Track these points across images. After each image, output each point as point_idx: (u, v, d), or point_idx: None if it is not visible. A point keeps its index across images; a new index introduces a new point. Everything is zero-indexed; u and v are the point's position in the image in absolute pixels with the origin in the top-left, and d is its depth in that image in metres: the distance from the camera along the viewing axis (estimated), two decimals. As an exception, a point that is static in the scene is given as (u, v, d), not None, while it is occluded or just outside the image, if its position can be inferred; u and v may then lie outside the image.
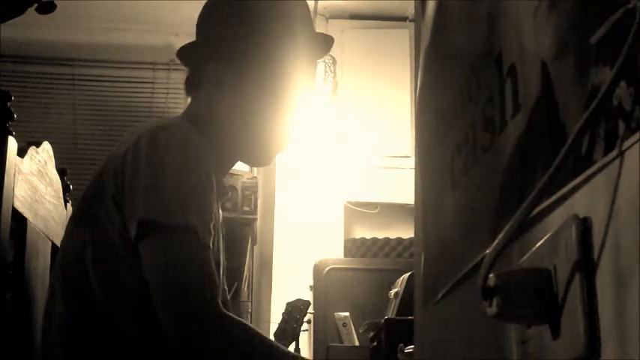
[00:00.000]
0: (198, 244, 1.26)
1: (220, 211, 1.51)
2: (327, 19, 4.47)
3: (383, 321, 2.30)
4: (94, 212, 1.34)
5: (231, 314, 1.29)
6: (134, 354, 1.30)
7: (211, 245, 1.29)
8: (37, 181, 1.55)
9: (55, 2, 1.40)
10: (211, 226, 1.29)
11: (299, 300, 2.94)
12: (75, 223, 1.40)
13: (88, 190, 1.40)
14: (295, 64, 1.47)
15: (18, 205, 1.41)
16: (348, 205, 4.19)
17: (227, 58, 1.45)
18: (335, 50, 4.43)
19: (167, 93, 4.67)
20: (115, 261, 1.30)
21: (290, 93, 1.47)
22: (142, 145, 1.32)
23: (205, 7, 1.53)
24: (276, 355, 1.31)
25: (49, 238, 1.63)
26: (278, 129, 1.49)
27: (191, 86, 1.52)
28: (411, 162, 1.45)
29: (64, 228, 1.77)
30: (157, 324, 1.24)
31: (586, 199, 0.55)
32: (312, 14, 1.58)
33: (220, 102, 1.46)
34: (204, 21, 1.52)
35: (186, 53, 1.53)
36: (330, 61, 4.07)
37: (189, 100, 1.53)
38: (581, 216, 0.55)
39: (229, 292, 1.84)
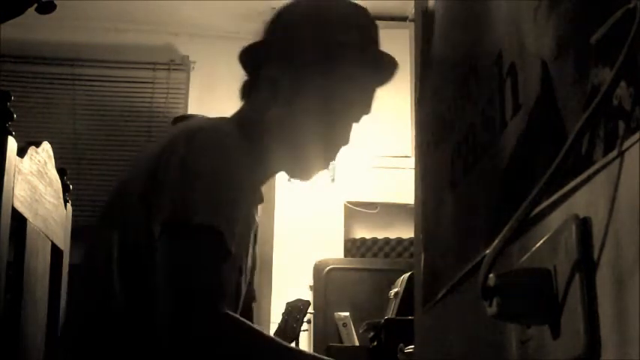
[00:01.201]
0: (216, 248, 1.24)
1: (257, 217, 1.48)
2: (327, 19, 4.47)
3: (383, 321, 2.30)
4: (123, 212, 1.32)
5: (239, 318, 1.26)
6: (148, 356, 1.29)
7: (233, 249, 1.26)
8: (37, 181, 1.55)
9: (55, 2, 1.40)
10: (235, 230, 1.27)
11: (299, 300, 2.94)
12: (103, 224, 1.38)
13: (118, 189, 1.38)
14: (360, 86, 1.43)
15: (18, 205, 1.41)
16: (348, 205, 4.19)
17: (292, 64, 1.40)
18: (335, 50, 4.43)
19: (167, 93, 4.67)
20: (140, 262, 1.28)
21: (347, 113, 1.43)
22: (178, 145, 1.29)
23: (280, 11, 1.47)
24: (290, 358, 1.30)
25: (49, 238, 1.63)
26: (326, 146, 1.45)
27: (246, 88, 1.48)
28: (411, 162, 1.44)
29: (64, 228, 1.77)
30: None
31: (586, 199, 0.55)
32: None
33: (275, 107, 1.41)
34: (275, 23, 1.46)
35: (247, 54, 1.47)
36: (330, 61, 4.07)
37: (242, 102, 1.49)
38: (581, 216, 0.55)
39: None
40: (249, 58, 1.46)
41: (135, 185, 1.31)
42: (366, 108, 1.45)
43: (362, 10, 1.46)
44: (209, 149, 1.30)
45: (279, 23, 1.45)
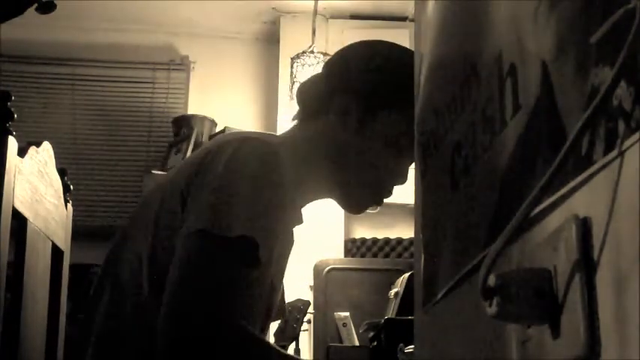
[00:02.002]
0: (242, 259, 1.22)
1: (294, 238, 1.48)
2: (327, 19, 4.47)
3: (383, 321, 2.30)
4: (157, 216, 1.31)
5: (247, 330, 1.24)
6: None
7: (263, 260, 1.25)
8: (37, 181, 1.55)
9: (55, 2, 1.40)
10: (271, 243, 1.25)
11: (299, 300, 2.94)
12: (135, 226, 1.37)
13: (155, 192, 1.37)
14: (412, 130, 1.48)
15: (18, 205, 1.41)
16: (348, 205, 4.19)
17: (365, 97, 1.44)
18: (335, 50, 4.43)
19: (167, 93, 4.67)
20: (169, 262, 1.27)
21: (410, 152, 1.44)
22: (225, 151, 1.29)
23: (358, 46, 1.52)
24: None
25: (49, 238, 1.63)
26: (383, 182, 1.47)
27: (303, 113, 1.50)
28: (411, 162, 1.44)
29: (64, 228, 1.77)
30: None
31: (586, 199, 0.55)
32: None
33: (331, 141, 1.43)
34: (346, 58, 1.51)
35: (315, 83, 1.52)
36: (331, 61, 4.07)
37: (295, 122, 1.51)
38: (581, 216, 0.55)
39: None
40: (312, 88, 1.49)
41: (175, 185, 1.31)
42: (412, 153, 1.48)
43: (411, 59, 1.54)
44: (255, 160, 1.29)
45: (337, 62, 1.50)
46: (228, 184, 1.26)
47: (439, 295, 0.92)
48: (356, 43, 1.54)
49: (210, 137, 4.11)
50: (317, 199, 1.52)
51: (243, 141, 1.33)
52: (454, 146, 0.89)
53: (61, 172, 1.74)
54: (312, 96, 1.49)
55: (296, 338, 2.94)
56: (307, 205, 1.52)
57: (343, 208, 1.55)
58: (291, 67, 3.97)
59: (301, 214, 1.48)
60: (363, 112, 1.44)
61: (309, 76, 1.53)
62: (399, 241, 4.17)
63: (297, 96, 1.53)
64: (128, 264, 1.32)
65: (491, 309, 0.57)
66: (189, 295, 1.21)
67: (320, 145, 1.44)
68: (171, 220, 1.28)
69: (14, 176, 1.39)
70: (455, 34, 0.95)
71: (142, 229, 1.33)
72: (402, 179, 1.48)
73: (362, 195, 1.49)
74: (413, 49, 1.23)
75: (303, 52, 3.93)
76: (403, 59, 1.43)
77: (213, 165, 1.28)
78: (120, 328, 1.31)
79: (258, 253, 1.22)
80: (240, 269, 1.22)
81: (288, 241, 1.42)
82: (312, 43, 3.99)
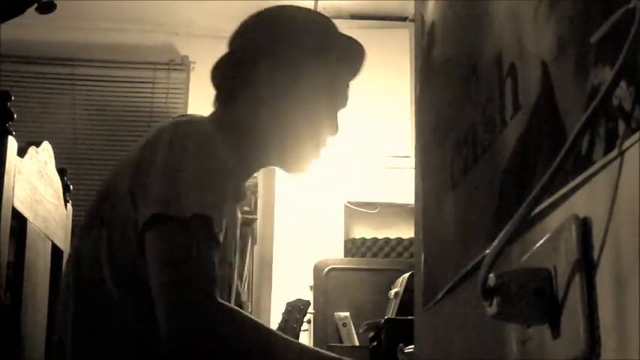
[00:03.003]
0: (206, 237, 1.26)
1: (239, 214, 1.51)
2: (327, 19, 4.47)
3: (383, 321, 2.30)
4: (110, 210, 1.34)
5: (233, 307, 1.29)
6: (144, 351, 1.29)
7: (221, 240, 1.29)
8: (37, 181, 1.55)
9: (55, 2, 1.40)
10: (223, 222, 1.29)
11: (299, 300, 2.93)
12: (90, 223, 1.39)
13: (104, 188, 1.39)
14: (330, 80, 1.52)
15: (18, 205, 1.41)
16: (348, 205, 4.19)
17: (267, 68, 1.49)
18: (335, 50, 4.43)
19: (167, 93, 4.67)
20: (130, 257, 1.30)
21: (324, 106, 1.52)
22: (161, 139, 1.33)
23: (255, 19, 1.57)
24: (282, 347, 1.31)
25: (49, 238, 1.63)
26: (312, 138, 1.52)
27: (225, 92, 1.54)
28: (411, 162, 1.45)
29: (64, 228, 1.77)
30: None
31: (586, 199, 0.55)
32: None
33: (260, 108, 1.48)
34: (241, 34, 1.56)
35: (218, 66, 1.55)
36: (330, 61, 4.07)
37: (215, 105, 1.55)
38: (581, 216, 0.55)
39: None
40: (222, 69, 1.54)
41: (121, 182, 1.33)
42: (341, 100, 1.55)
43: (317, 14, 1.63)
44: (191, 142, 1.33)
45: (247, 34, 1.55)
46: (173, 168, 1.29)
47: (439, 295, 0.92)
48: (255, 15, 1.58)
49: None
50: (259, 168, 1.58)
51: (177, 125, 1.37)
52: (454, 146, 0.89)
53: (61, 172, 1.74)
54: (229, 73, 1.53)
55: (296, 338, 2.93)
56: (251, 176, 1.58)
57: (286, 170, 1.60)
58: (291, 67, 3.96)
59: (244, 191, 1.53)
60: (284, 71, 1.48)
61: (220, 57, 1.56)
62: (399, 241, 4.16)
63: (213, 79, 1.57)
64: (88, 262, 1.34)
65: (491, 309, 0.57)
66: (181, 289, 1.22)
67: (250, 114, 1.48)
68: (124, 214, 1.30)
69: (14, 176, 1.39)
70: (455, 34, 0.95)
71: (97, 227, 1.35)
72: (333, 129, 1.53)
73: (301, 152, 1.54)
74: (413, 49, 1.23)
75: (303, 52, 3.92)
76: (308, 16, 1.56)
77: (154, 154, 1.31)
78: (90, 325, 1.32)
79: (214, 231, 1.25)
80: (209, 249, 1.26)
81: (235, 219, 1.46)
82: (312, 43, 3.98)
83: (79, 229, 1.45)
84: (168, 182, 1.28)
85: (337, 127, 1.54)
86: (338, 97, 1.54)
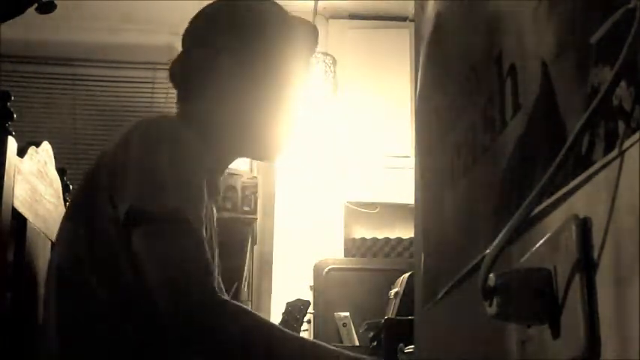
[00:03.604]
0: (192, 234, 1.26)
1: (214, 210, 1.53)
2: (327, 19, 4.47)
3: (383, 321, 2.30)
4: (88, 209, 1.35)
5: (233, 301, 1.30)
6: (131, 349, 1.30)
7: (204, 234, 1.30)
8: (37, 181, 1.55)
9: (55, 2, 1.40)
10: (202, 216, 1.30)
11: (299, 300, 2.93)
12: (68, 221, 1.40)
13: (80, 188, 1.40)
14: (284, 61, 1.53)
15: (18, 205, 1.41)
16: (348, 205, 4.19)
17: (218, 61, 1.50)
18: (335, 50, 4.44)
19: (167, 93, 4.67)
20: (113, 255, 1.30)
21: (284, 88, 1.53)
22: (133, 138, 1.34)
23: (202, 14, 1.58)
24: (287, 341, 1.31)
25: (49, 238, 1.63)
26: (279, 123, 1.54)
27: (186, 89, 1.55)
28: (411, 162, 1.45)
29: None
30: (154, 317, 1.25)
31: (586, 199, 0.55)
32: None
33: (222, 100, 1.49)
34: (189, 32, 1.58)
35: (174, 66, 1.58)
36: (330, 61, 4.07)
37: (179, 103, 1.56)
38: (581, 216, 0.55)
39: (229, 292, 1.83)
40: (186, 62, 1.56)
41: (97, 180, 1.34)
42: (301, 79, 1.57)
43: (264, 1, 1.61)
44: (164, 139, 1.35)
45: (198, 30, 1.57)
46: (150, 166, 1.31)
47: (439, 295, 0.92)
48: (203, 10, 1.59)
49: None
50: (232, 160, 1.58)
51: (147, 124, 1.39)
52: (454, 146, 0.89)
53: (61, 172, 1.74)
54: (187, 71, 1.55)
55: (296, 338, 2.92)
56: (224, 170, 1.60)
57: (261, 159, 1.65)
58: (291, 67, 3.96)
59: (217, 186, 1.54)
60: (240, 62, 1.50)
61: (176, 57, 1.59)
62: (399, 241, 4.16)
63: (172, 77, 1.59)
64: (70, 263, 1.35)
65: (491, 309, 0.57)
66: (180, 286, 1.23)
67: (213, 109, 1.50)
68: (101, 214, 1.31)
69: (14, 176, 1.39)
70: (455, 33, 0.95)
71: (75, 228, 1.35)
72: (296, 114, 1.55)
73: (271, 138, 1.55)
74: (413, 49, 1.23)
75: (303, 52, 3.92)
76: (256, 4, 1.57)
77: (128, 153, 1.32)
78: (74, 322, 1.33)
79: (197, 226, 1.25)
80: (201, 241, 1.26)
81: (211, 213, 1.47)
82: (312, 43, 3.99)
83: (59, 227, 1.45)
84: (145, 180, 1.28)
85: (300, 108, 1.55)
86: (297, 77, 1.55)
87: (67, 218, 1.42)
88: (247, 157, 1.60)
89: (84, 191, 1.39)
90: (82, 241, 1.34)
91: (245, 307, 1.34)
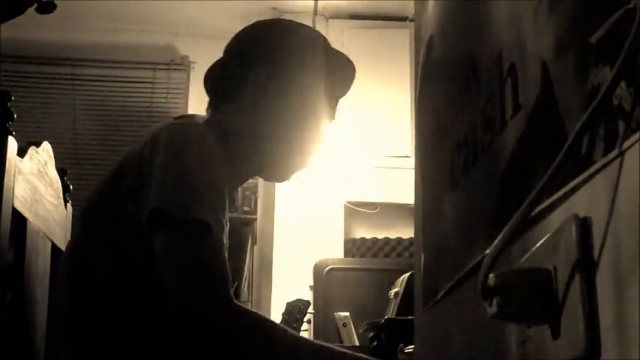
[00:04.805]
0: (213, 240, 1.27)
1: (227, 223, 1.53)
2: (327, 19, 4.47)
3: (383, 321, 2.30)
4: (108, 208, 1.34)
5: (252, 311, 1.31)
6: (143, 350, 1.30)
7: (225, 242, 1.31)
8: (37, 181, 1.55)
9: (55, 2, 1.40)
10: (224, 221, 1.31)
11: (299, 300, 2.94)
12: (87, 221, 1.40)
13: (101, 188, 1.40)
14: (318, 95, 1.56)
15: (18, 205, 1.41)
16: (348, 205, 4.19)
17: (258, 77, 1.52)
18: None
19: (167, 93, 4.68)
20: (128, 256, 1.30)
21: (311, 120, 1.55)
22: (161, 141, 1.34)
23: (240, 33, 1.61)
24: (301, 349, 1.32)
25: (49, 238, 1.63)
26: (302, 148, 1.56)
27: (219, 97, 1.56)
28: (411, 162, 1.46)
29: (64, 228, 1.77)
30: (168, 320, 1.25)
31: (586, 199, 0.55)
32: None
33: (253, 114, 1.51)
34: (237, 43, 1.59)
35: (213, 70, 1.59)
36: (330, 61, 4.07)
37: (210, 109, 1.57)
38: (581, 216, 0.55)
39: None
40: (217, 73, 1.58)
41: (120, 181, 1.34)
42: (329, 114, 1.60)
43: (312, 30, 1.68)
44: (191, 144, 1.35)
45: (244, 42, 1.59)
46: (176, 170, 1.31)
47: (439, 295, 0.92)
48: (253, 25, 1.62)
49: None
50: (247, 177, 1.60)
51: (176, 127, 1.40)
52: (454, 146, 0.89)
53: (61, 172, 1.74)
54: (225, 78, 1.56)
55: (296, 338, 2.92)
56: (240, 185, 1.61)
57: (272, 179, 1.64)
58: (291, 67, 3.96)
59: (233, 198, 1.57)
60: (276, 82, 1.52)
61: (215, 62, 1.60)
62: (399, 241, 4.17)
63: (207, 81, 1.60)
64: (85, 263, 1.35)
65: (491, 309, 0.57)
66: (198, 292, 1.24)
67: (243, 120, 1.51)
68: (123, 214, 1.31)
69: (14, 176, 1.39)
70: (455, 33, 0.95)
71: (96, 231, 1.35)
72: (320, 141, 1.57)
73: (288, 161, 1.57)
74: (413, 49, 1.23)
75: (303, 52, 3.92)
76: (303, 31, 1.61)
77: (154, 155, 1.32)
78: (87, 322, 1.33)
79: (213, 230, 1.26)
80: (221, 248, 1.27)
81: (225, 221, 1.48)
82: (312, 43, 3.99)
83: (76, 227, 1.45)
84: (169, 183, 1.28)
85: (324, 137, 1.58)
86: (326, 111, 1.58)
87: (85, 219, 1.41)
88: (260, 175, 1.61)
89: (105, 191, 1.38)
90: (100, 241, 1.34)
91: (263, 316, 1.34)
